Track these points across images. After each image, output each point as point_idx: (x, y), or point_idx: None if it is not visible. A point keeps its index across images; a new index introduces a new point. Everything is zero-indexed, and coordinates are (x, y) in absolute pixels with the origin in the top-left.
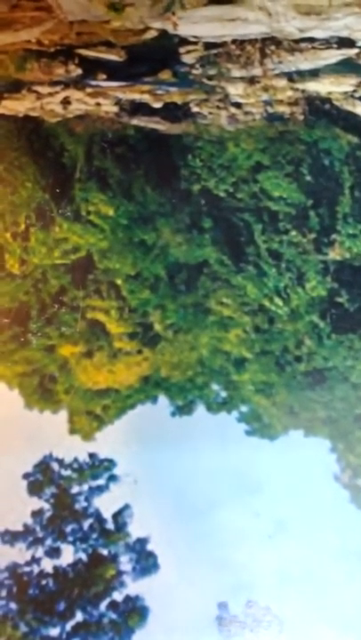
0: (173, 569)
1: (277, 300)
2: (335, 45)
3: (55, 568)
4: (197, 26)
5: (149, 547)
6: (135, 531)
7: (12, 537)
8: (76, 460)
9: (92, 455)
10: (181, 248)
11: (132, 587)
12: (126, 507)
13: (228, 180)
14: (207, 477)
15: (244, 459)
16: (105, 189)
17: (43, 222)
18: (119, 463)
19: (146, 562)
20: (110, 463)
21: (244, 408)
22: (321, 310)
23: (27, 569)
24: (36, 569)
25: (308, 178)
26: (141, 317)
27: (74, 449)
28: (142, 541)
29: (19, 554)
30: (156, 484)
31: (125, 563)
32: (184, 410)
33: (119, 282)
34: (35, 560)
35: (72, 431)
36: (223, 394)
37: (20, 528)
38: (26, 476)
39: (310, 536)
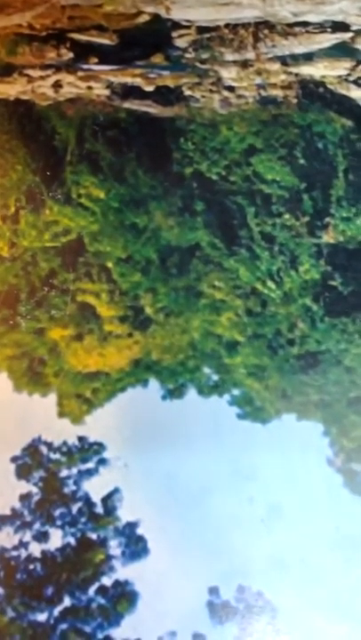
0: (164, 553)
1: (270, 284)
2: (329, 29)
3: (43, 552)
4: (191, 10)
5: (139, 531)
6: (125, 515)
7: None
8: (65, 443)
9: (81, 438)
10: (173, 231)
11: (122, 571)
12: (116, 490)
13: (221, 163)
14: (198, 461)
15: (236, 443)
16: (96, 172)
17: (33, 205)
18: (109, 447)
19: (135, 546)
20: (100, 447)
21: (235, 392)
22: (314, 293)
23: (14, 553)
24: (23, 553)
25: (302, 161)
26: (132, 300)
27: (63, 432)
28: (132, 525)
29: (6, 538)
30: (147, 468)
31: (115, 547)
32: (175, 393)
33: (110, 265)
34: (22, 544)
35: (61, 414)
36: (215, 377)
37: (7, 512)
38: (14, 459)
39: (304, 520)
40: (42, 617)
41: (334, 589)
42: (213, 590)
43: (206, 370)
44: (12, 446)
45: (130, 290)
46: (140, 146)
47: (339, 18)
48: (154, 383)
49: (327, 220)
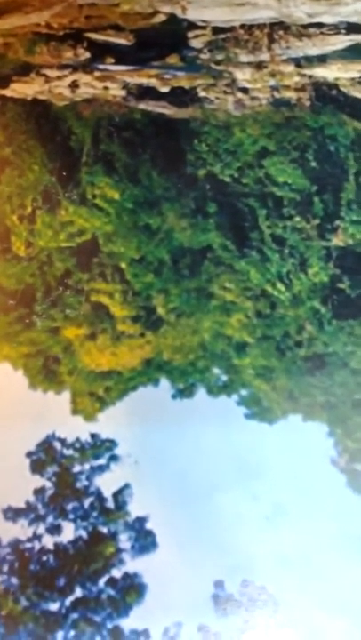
0: (172, 548)
1: (280, 286)
2: (344, 31)
3: (56, 545)
4: (206, 10)
5: (148, 525)
6: (135, 510)
7: (14, 514)
8: (78, 439)
9: (93, 435)
10: (186, 233)
11: (131, 564)
12: (126, 486)
13: (234, 165)
14: (207, 459)
15: (243, 442)
16: (111, 173)
17: (49, 205)
18: (120, 444)
19: (145, 540)
20: (112, 443)
21: (244, 392)
22: (323, 296)
23: (28, 545)
24: (37, 545)
25: (314, 164)
26: (145, 301)
27: (76, 429)
28: (141, 520)
29: (21, 530)
30: (157, 465)
31: (125, 541)
32: (185, 393)
33: (123, 265)
34: (36, 537)
35: (75, 411)
36: (224, 377)
37: (22, 505)
38: (29, 454)
39: (307, 519)
40: (54, 606)
41: (336, 586)
42: (218, 584)
43: (216, 370)
44: (27, 442)
45: (142, 290)
46: (155, 147)
47: (353, 19)
48: (165, 382)
49: (337, 223)
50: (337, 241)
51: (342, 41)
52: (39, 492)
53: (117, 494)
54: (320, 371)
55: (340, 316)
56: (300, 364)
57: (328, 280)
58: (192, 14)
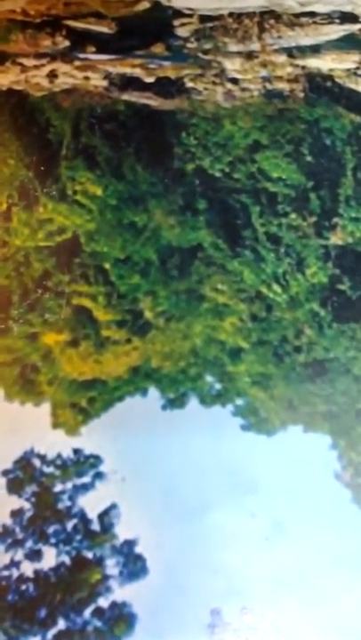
0: (163, 573)
1: (276, 287)
2: (337, 20)
3: (36, 572)
4: None
5: (137, 549)
6: (122, 532)
7: None
8: (59, 455)
9: (76, 451)
10: (174, 231)
11: (119, 592)
12: (113, 506)
13: (225, 159)
14: (200, 475)
15: (239, 455)
16: (93, 168)
17: (26, 202)
18: (106, 460)
19: (134, 565)
20: (96, 459)
21: (239, 401)
22: (322, 298)
23: (5, 573)
24: (15, 573)
25: (309, 158)
26: (131, 304)
27: (57, 444)
28: (130, 543)
29: None
30: (146, 483)
31: (112, 566)
32: (176, 403)
33: (107, 266)
34: (14, 563)
35: (55, 425)
36: (218, 386)
37: None
38: (5, 472)
39: (309, 538)
40: None
41: (341, 611)
42: (215, 611)
43: (209, 378)
44: (3, 459)
45: (128, 293)
46: (140, 140)
47: (347, 8)
48: (153, 392)
49: (335, 220)
50: (335, 239)
51: (336, 31)
52: (17, 513)
53: (103, 515)
54: (321, 378)
55: (340, 318)
56: (299, 371)
57: (327, 281)
58: (178, 2)
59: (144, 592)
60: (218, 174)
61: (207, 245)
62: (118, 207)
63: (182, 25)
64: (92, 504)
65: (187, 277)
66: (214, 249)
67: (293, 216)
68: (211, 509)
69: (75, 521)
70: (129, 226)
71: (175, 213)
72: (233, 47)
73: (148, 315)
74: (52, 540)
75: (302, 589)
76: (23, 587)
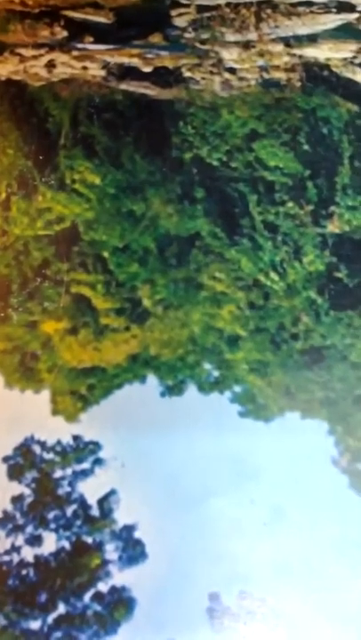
0: (162, 558)
1: (273, 275)
2: (334, 10)
3: (36, 557)
4: None
5: (137, 534)
6: (122, 518)
7: None
8: (59, 442)
9: (76, 437)
10: (172, 219)
11: (119, 577)
12: (112, 492)
13: (222, 148)
14: (199, 461)
15: (237, 442)
16: (91, 157)
17: (25, 191)
18: (105, 446)
19: (133, 550)
20: (96, 446)
21: (237, 388)
22: (319, 286)
23: (6, 558)
24: (15, 558)
25: (306, 147)
26: (129, 292)
27: (57, 431)
28: (129, 529)
29: None
30: (145, 468)
31: (111, 551)
32: (174, 390)
33: (106, 254)
34: (14, 549)
35: (55, 412)
36: (215, 373)
37: None
38: (5, 459)
39: (308, 523)
40: (35, 625)
41: (340, 596)
42: (214, 596)
43: (207, 365)
44: (3, 446)
45: (127, 281)
46: (138, 129)
47: None
48: (152, 379)
49: (332, 208)
50: (333, 227)
51: (333, 20)
52: (17, 499)
53: (103, 501)
54: (318, 365)
55: (337, 306)
56: (296, 358)
57: (324, 269)
58: None
59: (143, 577)
60: (216, 163)
61: (205, 234)
62: (117, 196)
63: (180, 15)
64: (91, 490)
65: (185, 266)
66: (212, 237)
67: (291, 204)
68: (210, 495)
69: (74, 506)
70: (127, 214)
71: (173, 202)
72: (230, 37)
73: (146, 303)
74: (52, 526)
75: (302, 574)
76: (24, 571)
